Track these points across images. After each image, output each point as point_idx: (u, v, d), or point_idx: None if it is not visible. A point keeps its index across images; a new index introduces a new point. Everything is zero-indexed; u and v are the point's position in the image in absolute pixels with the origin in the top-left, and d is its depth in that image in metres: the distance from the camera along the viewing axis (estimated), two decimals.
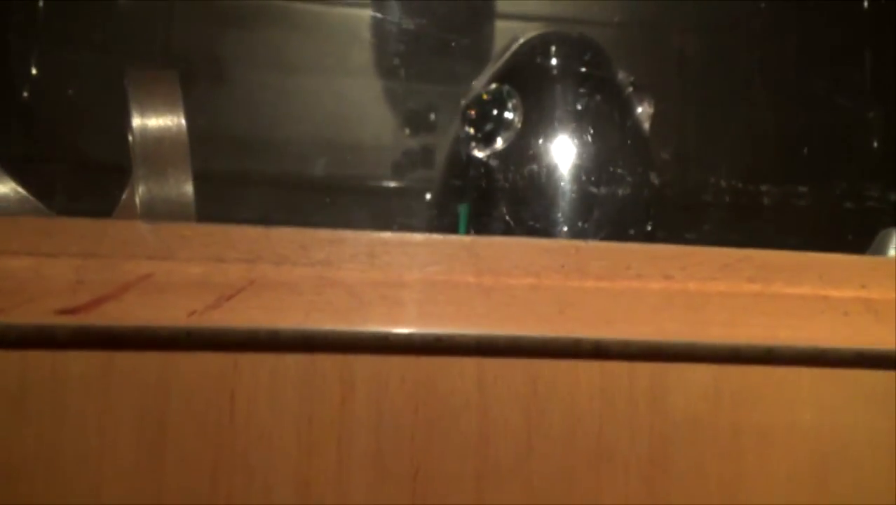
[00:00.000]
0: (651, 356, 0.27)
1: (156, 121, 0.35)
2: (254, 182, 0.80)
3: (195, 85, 0.80)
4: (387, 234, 0.28)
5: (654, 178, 0.69)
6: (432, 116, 0.82)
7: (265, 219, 0.83)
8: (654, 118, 0.71)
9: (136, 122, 0.35)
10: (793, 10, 0.83)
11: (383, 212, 0.82)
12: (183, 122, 0.35)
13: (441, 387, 0.26)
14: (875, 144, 0.83)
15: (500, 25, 0.82)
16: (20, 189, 0.35)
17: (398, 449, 0.26)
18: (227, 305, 0.25)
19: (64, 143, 0.78)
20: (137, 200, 0.35)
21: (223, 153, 0.80)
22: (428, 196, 0.81)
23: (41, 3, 0.78)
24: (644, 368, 0.27)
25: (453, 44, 0.82)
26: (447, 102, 0.81)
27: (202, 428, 0.25)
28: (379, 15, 0.80)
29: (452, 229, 0.68)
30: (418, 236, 0.28)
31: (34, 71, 0.78)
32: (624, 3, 0.81)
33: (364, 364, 0.26)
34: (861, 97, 0.81)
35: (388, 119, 0.82)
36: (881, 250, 0.37)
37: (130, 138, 0.35)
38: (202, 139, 0.83)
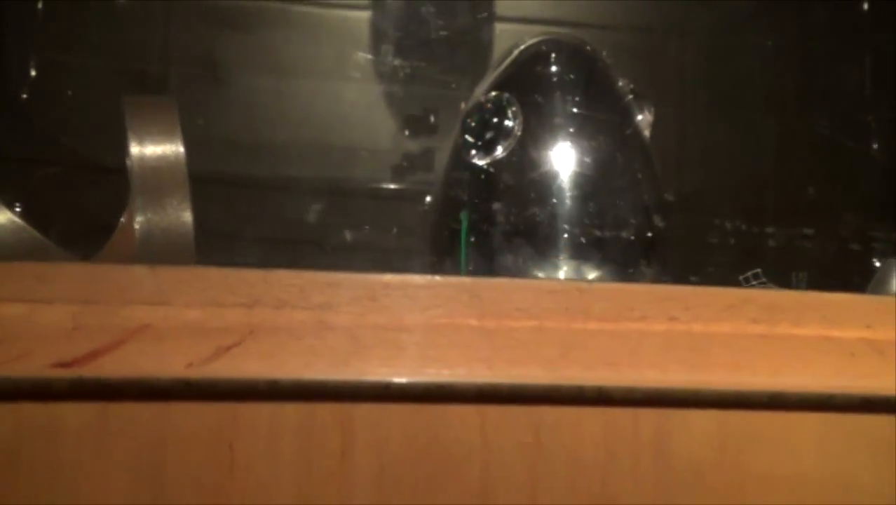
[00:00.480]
0: (655, 402, 0.27)
1: (153, 149, 0.34)
2: (253, 185, 0.80)
3: (193, 87, 0.79)
4: (388, 277, 0.27)
5: (655, 186, 0.69)
6: (432, 119, 0.82)
7: (264, 222, 0.83)
8: (655, 124, 0.70)
9: (134, 150, 0.34)
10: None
11: (384, 215, 0.81)
12: (181, 149, 0.35)
13: (443, 436, 0.26)
14: (877, 145, 0.82)
15: (500, 28, 0.81)
16: (17, 219, 0.34)
17: (400, 500, 0.25)
18: (226, 356, 0.25)
19: (63, 145, 0.78)
20: (136, 228, 0.34)
21: (221, 156, 0.79)
22: (428, 199, 0.81)
23: (40, 5, 0.77)
24: (648, 415, 0.27)
25: (453, 46, 0.81)
26: (447, 105, 0.81)
27: (200, 480, 0.25)
28: (377, 17, 0.80)
29: (453, 236, 0.68)
30: (419, 278, 0.28)
31: (33, 72, 0.78)
32: (623, 6, 0.81)
33: (364, 413, 0.26)
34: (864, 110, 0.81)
35: (387, 122, 0.81)
36: (884, 281, 0.36)
37: (128, 165, 0.35)
38: (200, 141, 0.83)
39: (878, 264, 0.82)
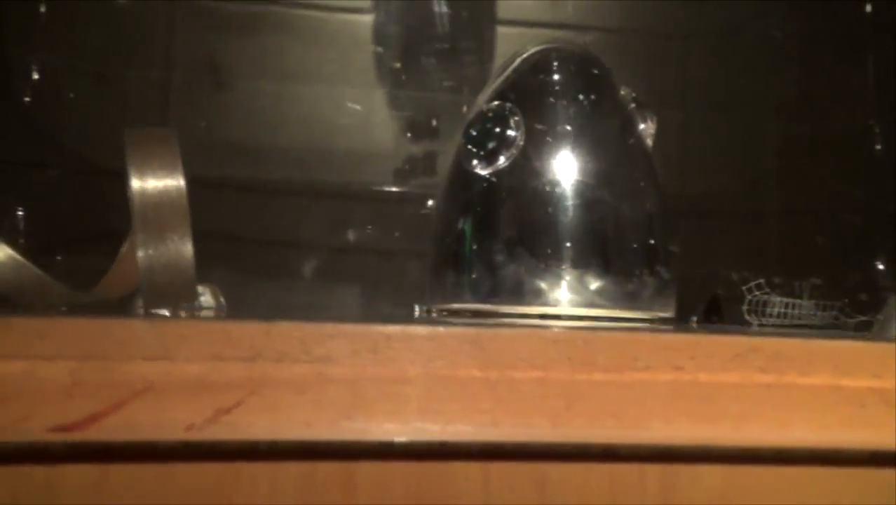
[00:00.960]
0: (661, 458, 0.26)
1: (154, 184, 0.34)
2: (255, 189, 0.80)
3: (195, 92, 0.79)
4: (390, 328, 0.27)
5: (658, 195, 0.68)
6: (434, 123, 0.81)
7: (266, 226, 0.82)
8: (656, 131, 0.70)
9: (135, 184, 0.34)
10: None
11: (385, 218, 0.81)
12: (182, 183, 0.34)
13: (446, 493, 0.26)
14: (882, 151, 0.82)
15: (502, 31, 0.80)
16: (17, 256, 0.34)
17: None
18: (227, 416, 0.24)
19: (65, 148, 0.77)
20: (138, 263, 0.34)
21: (223, 160, 0.79)
22: (430, 202, 0.80)
23: (42, 8, 0.77)
24: (654, 471, 0.26)
25: (455, 50, 0.80)
26: (449, 108, 0.80)
27: None
28: (379, 21, 0.79)
29: (454, 243, 0.68)
30: (422, 329, 0.27)
31: (35, 75, 0.77)
32: (625, 9, 0.80)
33: (366, 471, 0.25)
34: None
35: (389, 126, 0.81)
36: (891, 319, 0.36)
37: (129, 199, 0.35)
38: (202, 145, 0.83)
39: (880, 267, 0.82)
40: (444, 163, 0.80)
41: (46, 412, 0.24)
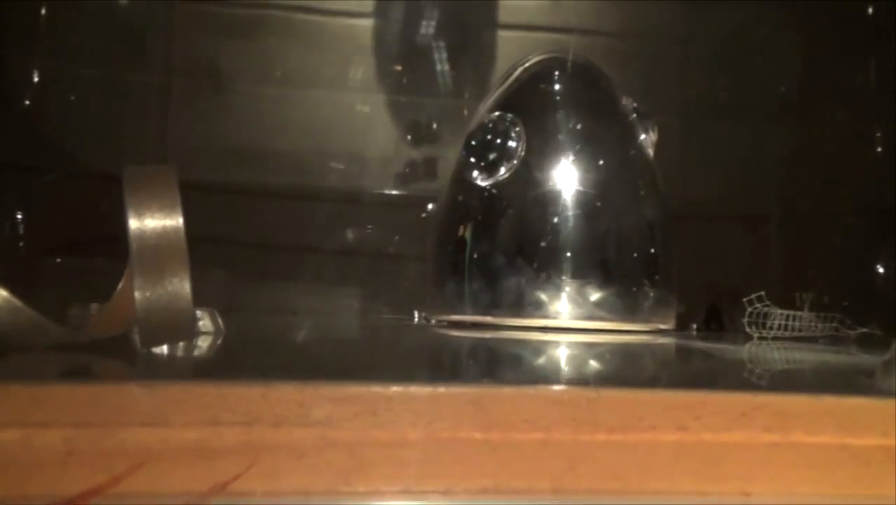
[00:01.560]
0: None
1: (153, 226, 0.33)
2: (255, 193, 0.79)
3: (195, 95, 0.78)
4: (391, 389, 0.27)
5: (659, 204, 0.68)
6: (434, 126, 0.81)
7: (266, 230, 0.82)
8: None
9: (134, 225, 0.34)
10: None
11: (385, 222, 0.80)
12: (181, 224, 0.34)
13: None
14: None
15: (503, 34, 0.80)
16: (13, 299, 0.33)
17: None
18: (225, 486, 0.24)
19: (64, 151, 0.77)
20: (136, 306, 0.34)
21: (224, 164, 0.78)
22: (430, 206, 0.80)
23: (43, 11, 0.76)
24: None
25: (456, 53, 0.80)
26: (450, 112, 0.80)
27: None
28: (380, 26, 0.78)
29: (455, 253, 0.67)
30: (423, 390, 0.27)
31: (35, 79, 0.77)
32: (626, 13, 0.79)
33: None
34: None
35: (390, 130, 0.80)
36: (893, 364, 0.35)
37: (128, 239, 0.34)
38: (202, 150, 0.82)
39: (881, 270, 0.81)
40: (445, 166, 0.80)
41: (42, 483, 0.24)
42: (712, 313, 0.76)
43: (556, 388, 0.28)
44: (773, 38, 0.80)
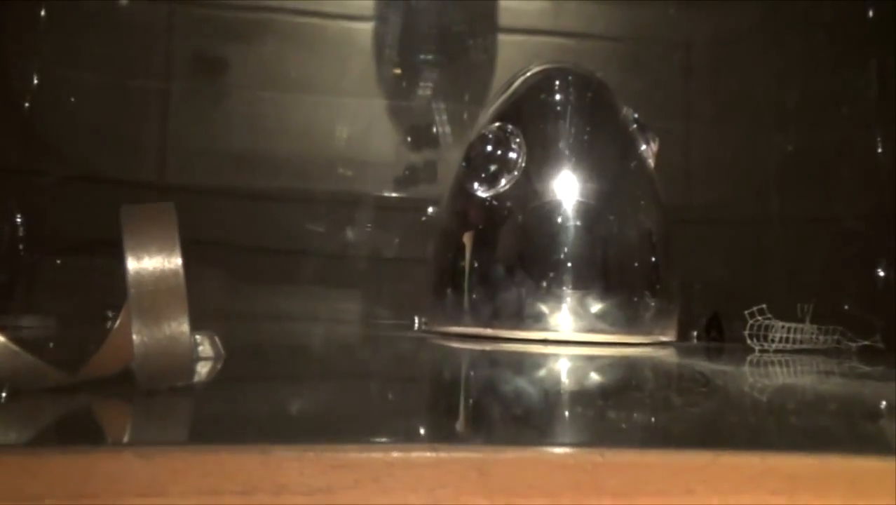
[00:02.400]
0: None
1: (151, 269, 0.33)
2: (254, 196, 0.78)
3: (195, 99, 0.78)
4: (392, 455, 0.26)
5: (660, 214, 0.67)
6: (434, 130, 0.80)
7: (265, 233, 0.81)
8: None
9: (132, 267, 0.33)
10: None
11: (385, 225, 0.80)
12: (180, 266, 0.33)
13: None
14: None
15: (503, 39, 0.79)
16: (11, 345, 0.33)
17: None
18: None
19: (64, 154, 0.76)
20: (134, 349, 0.33)
21: (223, 167, 0.78)
22: (430, 209, 0.79)
23: (43, 14, 0.75)
24: None
25: (455, 57, 0.79)
26: (449, 116, 0.79)
27: None
28: (380, 29, 0.77)
29: (455, 264, 0.67)
30: (425, 456, 0.26)
31: (35, 82, 0.76)
32: (627, 17, 0.78)
33: None
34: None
35: (390, 133, 0.79)
36: None
37: (126, 278, 0.34)
38: (201, 153, 0.81)
39: (881, 274, 0.81)
40: (444, 170, 0.79)
41: None
42: (713, 321, 0.76)
43: (561, 451, 0.27)
44: (775, 42, 0.79)
